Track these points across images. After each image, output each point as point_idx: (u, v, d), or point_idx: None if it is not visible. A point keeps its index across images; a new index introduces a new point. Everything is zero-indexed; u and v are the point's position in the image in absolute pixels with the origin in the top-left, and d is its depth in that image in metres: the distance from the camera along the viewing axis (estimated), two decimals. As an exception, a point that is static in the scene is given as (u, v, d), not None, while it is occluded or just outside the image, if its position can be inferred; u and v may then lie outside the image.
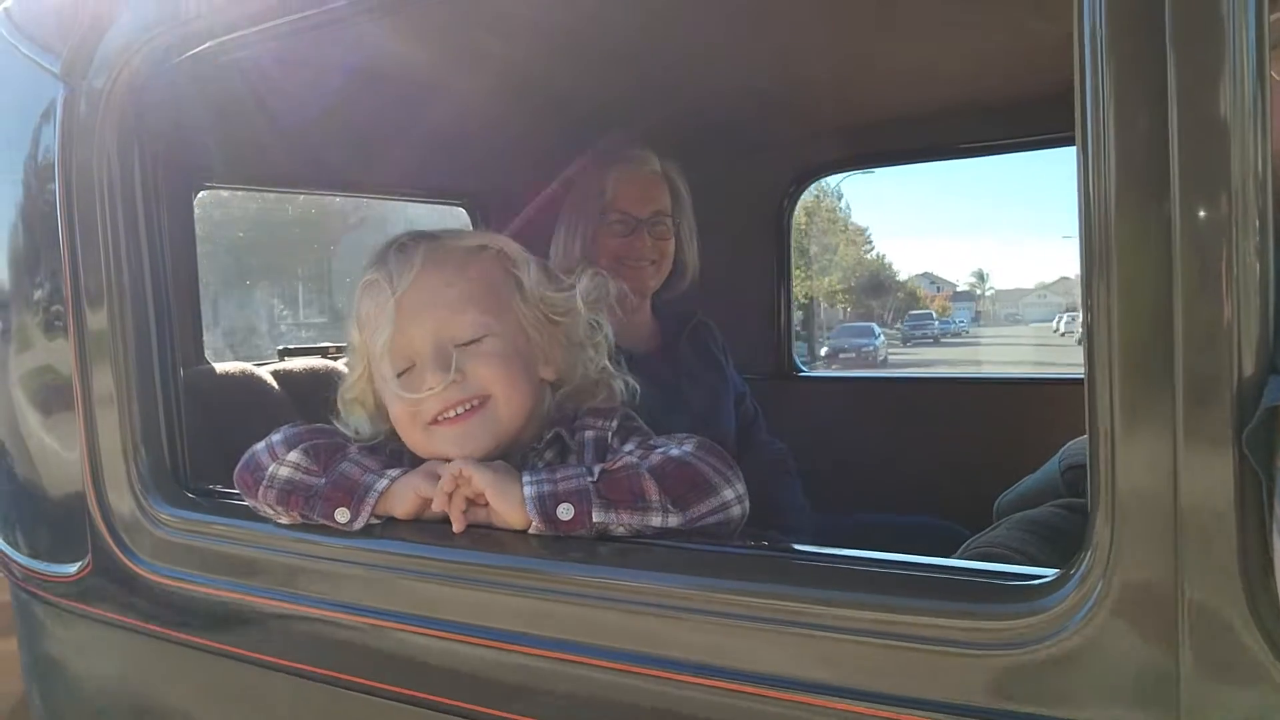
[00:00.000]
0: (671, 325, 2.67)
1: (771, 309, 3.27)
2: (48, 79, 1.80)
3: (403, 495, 1.48)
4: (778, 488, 2.61)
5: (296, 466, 1.54)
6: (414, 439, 1.56)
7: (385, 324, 1.54)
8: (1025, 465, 1.80)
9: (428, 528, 1.46)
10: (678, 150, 2.64)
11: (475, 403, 1.53)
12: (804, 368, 3.40)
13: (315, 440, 1.59)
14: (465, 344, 1.54)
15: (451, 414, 1.52)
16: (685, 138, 2.91)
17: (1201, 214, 0.84)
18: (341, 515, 1.48)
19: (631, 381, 1.71)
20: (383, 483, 1.49)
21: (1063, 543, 1.37)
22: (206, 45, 1.61)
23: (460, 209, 3.46)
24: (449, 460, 1.48)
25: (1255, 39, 0.83)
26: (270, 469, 1.54)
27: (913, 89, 2.68)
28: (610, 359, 1.70)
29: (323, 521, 1.50)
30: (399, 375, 1.55)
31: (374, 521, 1.49)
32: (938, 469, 2.82)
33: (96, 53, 1.71)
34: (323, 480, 1.51)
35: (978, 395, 3.16)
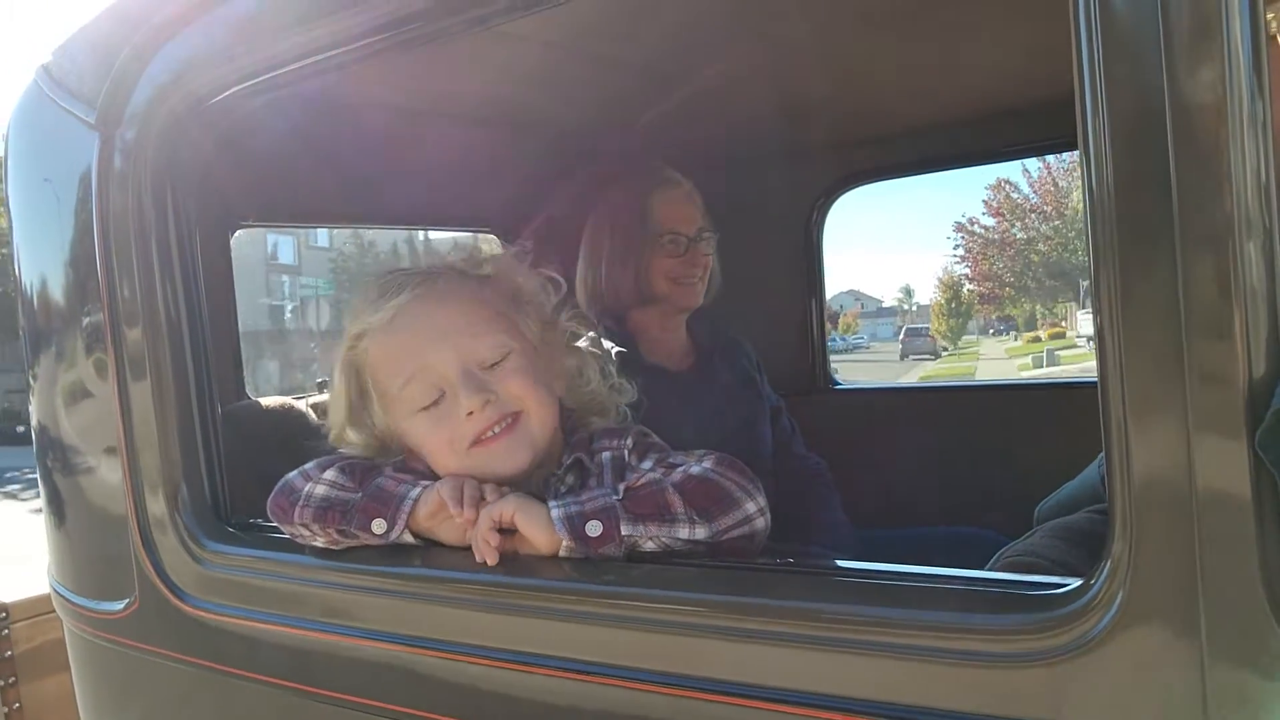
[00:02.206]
0: (705, 342, 2.66)
1: (804, 323, 3.26)
2: (84, 130, 1.86)
3: (427, 499, 1.51)
4: (817, 503, 2.60)
5: (333, 484, 1.57)
6: (450, 465, 1.57)
7: (405, 361, 1.58)
8: (1065, 472, 1.77)
9: (470, 555, 1.46)
10: (704, 166, 2.64)
11: (509, 420, 1.56)
12: (839, 381, 3.38)
13: (350, 460, 1.62)
14: (491, 366, 1.57)
15: (489, 434, 1.55)
16: (712, 153, 2.93)
17: (1203, 214, 0.83)
18: (378, 526, 1.51)
19: (629, 388, 1.76)
20: (416, 491, 1.52)
21: (1097, 547, 1.34)
22: (234, 90, 1.64)
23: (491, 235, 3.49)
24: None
25: (1251, 33, 0.82)
26: (306, 489, 1.57)
27: (939, 98, 2.67)
28: (604, 372, 1.75)
29: (359, 533, 1.53)
30: (427, 408, 1.58)
31: (408, 539, 1.51)
32: (977, 478, 2.78)
33: (128, 104, 1.76)
34: (359, 495, 1.55)
35: (1016, 402, 3.12)
